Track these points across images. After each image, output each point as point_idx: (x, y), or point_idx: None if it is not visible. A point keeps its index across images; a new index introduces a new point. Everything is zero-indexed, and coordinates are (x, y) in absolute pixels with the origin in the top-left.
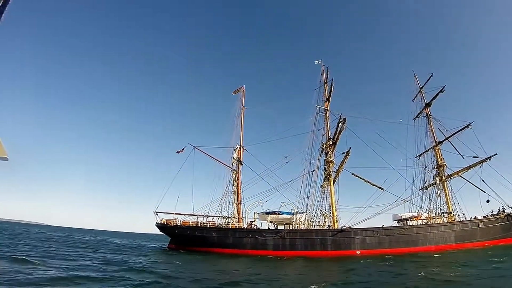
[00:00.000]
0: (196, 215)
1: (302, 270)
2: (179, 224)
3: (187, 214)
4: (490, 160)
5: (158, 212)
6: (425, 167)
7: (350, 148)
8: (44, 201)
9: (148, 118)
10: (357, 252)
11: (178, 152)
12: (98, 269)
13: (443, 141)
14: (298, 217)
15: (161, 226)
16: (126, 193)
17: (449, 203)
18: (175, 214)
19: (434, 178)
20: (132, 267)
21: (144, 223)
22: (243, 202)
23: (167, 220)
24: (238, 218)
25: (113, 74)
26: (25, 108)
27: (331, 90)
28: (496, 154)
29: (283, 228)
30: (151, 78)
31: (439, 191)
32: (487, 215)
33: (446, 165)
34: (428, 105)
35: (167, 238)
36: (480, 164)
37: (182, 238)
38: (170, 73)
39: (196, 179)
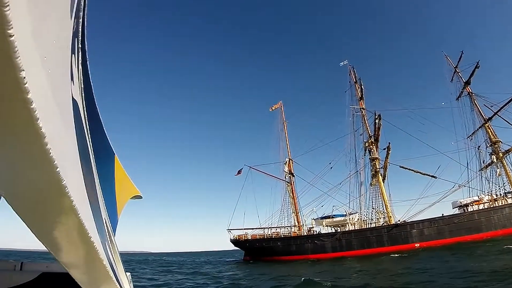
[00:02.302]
0: (262, 228)
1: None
2: (249, 238)
3: (254, 228)
4: None
5: (231, 230)
6: (479, 146)
7: (389, 143)
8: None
9: (195, 143)
10: (416, 245)
11: (236, 175)
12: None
13: (492, 116)
14: (351, 218)
15: (234, 242)
16: (195, 217)
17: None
18: (245, 229)
19: (490, 157)
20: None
21: (216, 240)
22: (300, 210)
23: (239, 235)
24: (298, 226)
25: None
26: None
27: (362, 88)
28: None
29: (338, 231)
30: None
31: (498, 170)
32: None
33: (501, 141)
34: (467, 83)
35: (240, 252)
36: None
37: (254, 250)
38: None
39: (256, 195)
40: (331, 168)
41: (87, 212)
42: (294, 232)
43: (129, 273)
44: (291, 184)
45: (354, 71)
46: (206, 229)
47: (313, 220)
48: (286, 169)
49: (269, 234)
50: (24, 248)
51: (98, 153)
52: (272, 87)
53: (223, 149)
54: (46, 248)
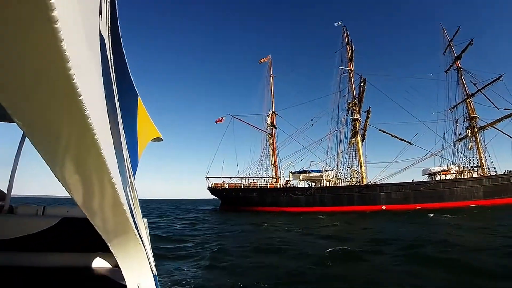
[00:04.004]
0: (239, 177)
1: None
2: (226, 187)
3: (233, 177)
4: None
5: (209, 177)
6: (457, 119)
7: (370, 107)
8: None
9: (180, 90)
10: (382, 207)
11: (217, 121)
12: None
13: (475, 93)
14: (327, 174)
15: (212, 190)
16: (170, 162)
17: (481, 156)
18: (223, 178)
19: (466, 131)
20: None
21: (193, 189)
22: (279, 163)
23: (216, 184)
24: (276, 178)
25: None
26: None
27: (352, 51)
28: None
29: (314, 186)
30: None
31: (471, 144)
32: None
33: (478, 117)
34: (458, 58)
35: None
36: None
37: (230, 199)
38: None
39: (237, 144)
40: (312, 124)
41: (110, 150)
42: (271, 184)
43: (146, 219)
44: (272, 136)
45: (347, 33)
46: (184, 177)
47: (290, 173)
48: (269, 121)
49: (246, 184)
50: (43, 194)
51: (122, 92)
52: (264, 41)
53: (205, 97)
54: (66, 194)
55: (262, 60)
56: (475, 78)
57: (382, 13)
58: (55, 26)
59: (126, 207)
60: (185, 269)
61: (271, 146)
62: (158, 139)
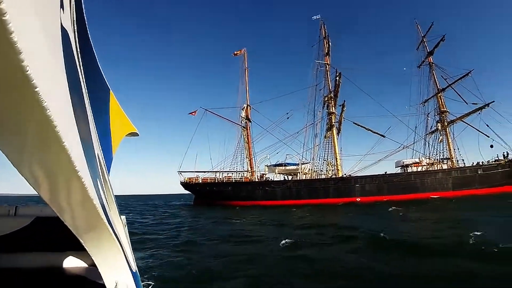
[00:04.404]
0: (213, 171)
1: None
2: (200, 182)
3: (206, 171)
4: (488, 107)
5: (182, 172)
6: (428, 113)
7: (344, 101)
8: None
9: (151, 83)
10: (357, 199)
11: (190, 114)
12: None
13: (445, 88)
14: (303, 167)
15: (185, 184)
16: (140, 157)
17: (451, 149)
18: (196, 172)
19: (436, 124)
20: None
21: (165, 184)
22: (254, 156)
23: (189, 178)
24: (251, 171)
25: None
26: None
27: (329, 44)
28: (493, 101)
29: (290, 179)
30: (151, 39)
31: (441, 137)
32: (489, 161)
33: (448, 111)
34: (430, 53)
35: (191, 196)
36: (479, 111)
37: (204, 194)
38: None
39: (210, 138)
40: (288, 118)
41: (76, 144)
42: (246, 178)
43: (124, 216)
44: (247, 130)
45: (324, 27)
46: (156, 172)
47: (266, 166)
48: (243, 114)
49: (220, 178)
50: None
51: (91, 86)
52: (239, 34)
53: (179, 91)
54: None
55: (237, 53)
56: (446, 73)
57: (362, 7)
58: (4, 18)
59: (96, 202)
60: (150, 260)
61: (246, 139)
62: (134, 134)
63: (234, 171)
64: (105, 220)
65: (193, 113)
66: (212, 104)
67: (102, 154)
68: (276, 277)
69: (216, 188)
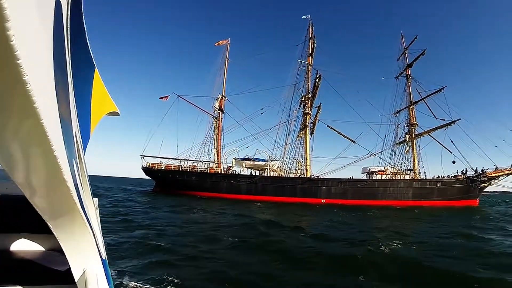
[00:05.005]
0: (178, 159)
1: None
2: (162, 168)
3: (171, 158)
4: (454, 124)
5: (145, 156)
6: (398, 124)
7: (320, 103)
8: None
9: (125, 64)
10: (322, 201)
11: (161, 98)
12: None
13: (418, 101)
14: (271, 164)
15: (146, 170)
16: (106, 138)
17: (415, 161)
18: (160, 158)
19: (405, 136)
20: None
21: (127, 167)
22: (223, 148)
23: (152, 164)
24: (218, 163)
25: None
26: None
27: (314, 46)
28: (460, 119)
29: (257, 174)
30: (131, 21)
31: (407, 148)
32: (449, 176)
33: (417, 124)
34: (409, 66)
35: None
36: (446, 127)
37: (165, 182)
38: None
39: (180, 125)
40: (262, 113)
41: (55, 121)
42: (212, 169)
43: (96, 199)
44: (219, 120)
45: (312, 28)
46: (117, 154)
47: (234, 159)
48: (217, 104)
49: (185, 167)
50: None
51: (76, 61)
52: (225, 24)
53: (151, 75)
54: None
55: (220, 43)
56: (421, 87)
57: (352, 13)
58: None
59: (71, 184)
60: None
61: (216, 130)
62: (115, 113)
63: (200, 161)
64: (78, 204)
65: (165, 98)
66: (187, 92)
67: (80, 134)
68: None
69: (180, 177)
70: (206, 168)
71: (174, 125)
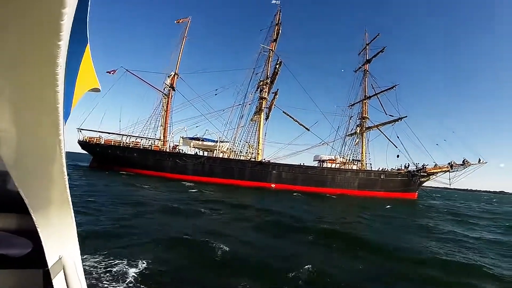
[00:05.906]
0: (120, 134)
1: None
2: (101, 143)
3: (112, 133)
4: (401, 120)
5: (82, 129)
6: (351, 116)
7: (278, 89)
8: None
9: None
10: (272, 185)
11: (108, 72)
12: None
13: (371, 96)
14: (221, 145)
15: (83, 144)
16: None
17: (363, 152)
18: (99, 132)
19: (356, 128)
20: None
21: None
22: (171, 126)
23: (90, 138)
24: (164, 141)
25: None
26: None
27: (279, 32)
28: (406, 116)
29: (205, 155)
30: None
31: (357, 140)
32: (392, 169)
33: (368, 118)
34: (368, 61)
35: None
36: (393, 123)
37: (104, 157)
38: None
39: (125, 101)
40: (216, 94)
41: (61, 113)
42: (156, 146)
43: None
44: (169, 98)
45: (280, 14)
46: None
47: (181, 138)
48: (168, 81)
49: (126, 143)
50: None
51: (71, 38)
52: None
53: (106, 48)
54: None
55: (181, 20)
56: (376, 83)
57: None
58: None
59: (58, 155)
60: None
61: (165, 107)
62: (96, 90)
63: (144, 137)
64: (66, 178)
65: (112, 72)
66: (140, 68)
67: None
68: None
69: (120, 153)
70: (150, 145)
71: (119, 99)
